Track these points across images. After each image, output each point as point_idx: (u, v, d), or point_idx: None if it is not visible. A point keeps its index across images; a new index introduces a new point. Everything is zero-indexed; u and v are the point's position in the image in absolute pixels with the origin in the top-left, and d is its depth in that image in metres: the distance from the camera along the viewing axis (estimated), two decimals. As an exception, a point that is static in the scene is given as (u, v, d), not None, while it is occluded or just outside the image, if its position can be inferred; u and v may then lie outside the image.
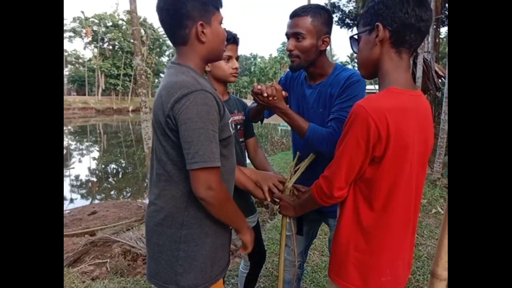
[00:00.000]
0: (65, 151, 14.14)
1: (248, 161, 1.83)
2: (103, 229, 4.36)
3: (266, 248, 2.05)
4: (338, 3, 15.75)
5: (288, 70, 1.57)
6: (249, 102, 1.77)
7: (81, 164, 12.33)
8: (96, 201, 7.27)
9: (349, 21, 15.41)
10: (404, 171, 0.96)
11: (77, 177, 10.02)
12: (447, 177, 5.51)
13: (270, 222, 3.84)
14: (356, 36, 1.09)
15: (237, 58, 1.63)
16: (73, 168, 11.34)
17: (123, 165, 12.53)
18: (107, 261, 3.10)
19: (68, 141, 17.76)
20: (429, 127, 1.02)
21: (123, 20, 44.37)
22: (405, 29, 0.94)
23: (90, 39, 43.83)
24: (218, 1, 1.09)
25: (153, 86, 48.96)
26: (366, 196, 1.00)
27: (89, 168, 11.70)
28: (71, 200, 7.49)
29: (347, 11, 15.63)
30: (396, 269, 1.04)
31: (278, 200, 1.42)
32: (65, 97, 37.87)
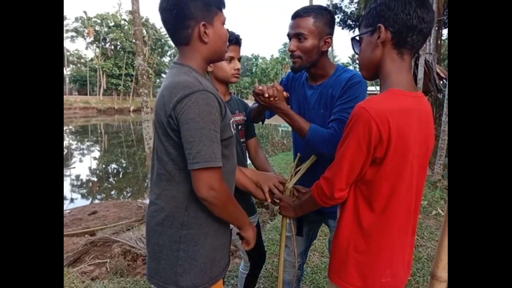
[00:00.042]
0: (66, 151, 14.16)
1: (248, 161, 1.83)
2: (103, 229, 4.36)
3: (266, 249, 2.05)
4: (340, 4, 15.78)
5: (289, 71, 1.57)
6: (251, 102, 1.77)
7: (81, 164, 12.34)
8: (97, 201, 7.28)
9: (350, 22, 15.43)
10: (405, 172, 0.96)
11: (77, 176, 10.03)
12: (447, 179, 5.50)
13: (270, 223, 3.84)
14: (357, 37, 1.09)
15: (239, 59, 1.63)
16: (74, 167, 11.35)
17: (124, 165, 12.54)
18: (107, 261, 3.11)
19: (69, 140, 17.80)
20: (430, 128, 1.02)
21: (125, 20, 44.48)
22: (407, 30, 0.94)
23: (92, 39, 43.95)
24: (221, 2, 1.09)
25: (154, 86, 48.99)
26: (366, 197, 1.00)
27: (89, 168, 11.71)
28: (72, 200, 7.50)
29: (349, 12, 15.65)
30: (396, 270, 1.04)
31: (278, 201, 1.42)
32: (67, 97, 38.02)
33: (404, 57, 0.99)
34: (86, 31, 43.23)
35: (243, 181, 1.44)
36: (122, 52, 44.76)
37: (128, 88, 45.32)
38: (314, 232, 1.76)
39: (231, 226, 1.67)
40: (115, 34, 43.34)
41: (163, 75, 49.32)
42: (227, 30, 1.15)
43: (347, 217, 1.04)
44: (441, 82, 8.21)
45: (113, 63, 44.07)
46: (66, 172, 10.20)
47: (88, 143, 17.73)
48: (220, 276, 1.17)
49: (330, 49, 1.50)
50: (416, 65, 6.70)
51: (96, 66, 44.31)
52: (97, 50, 44.75)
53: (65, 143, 16.21)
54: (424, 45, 5.56)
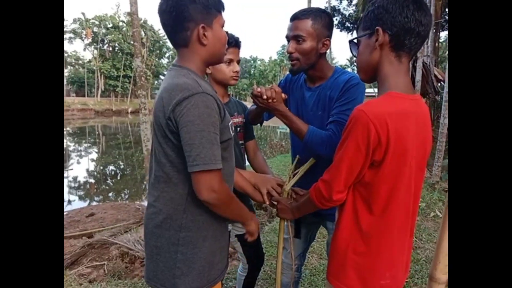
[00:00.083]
0: (63, 153, 14.11)
1: (247, 163, 1.83)
2: (101, 231, 4.35)
3: (264, 251, 2.05)
4: (338, 6, 15.83)
5: (288, 73, 1.57)
6: (249, 104, 1.77)
7: (79, 166, 12.31)
8: (94, 203, 7.25)
9: (349, 25, 15.48)
10: (403, 175, 0.96)
11: (75, 178, 10.00)
12: (446, 181, 5.51)
13: (268, 225, 3.84)
14: (355, 40, 1.09)
15: (238, 61, 1.64)
16: (71, 169, 11.32)
17: (122, 166, 12.51)
18: (104, 264, 3.09)
19: (66, 142, 17.74)
20: (427, 131, 1.03)
21: (123, 21, 44.52)
22: (404, 33, 0.94)
23: (90, 40, 43.95)
24: (220, 4, 1.09)
25: (152, 88, 49.00)
26: (365, 199, 1.00)
27: (87, 170, 11.67)
28: (69, 202, 7.47)
29: (347, 15, 15.70)
30: (395, 272, 1.04)
31: (276, 203, 1.42)
32: (65, 98, 37.85)
33: (402, 59, 0.99)
34: (84, 32, 43.24)
35: (241, 183, 1.44)
36: (120, 54, 44.74)
37: (126, 90, 45.28)
38: (312, 234, 1.76)
39: (229, 228, 1.67)
40: (113, 35, 43.34)
41: (161, 77, 49.38)
42: (226, 32, 1.15)
43: (346, 219, 1.04)
44: (439, 84, 8.25)
45: (111, 64, 44.04)
46: (64, 174, 10.16)
47: (85, 145, 17.68)
48: (219, 279, 1.16)
49: (328, 51, 1.50)
50: (414, 67, 6.73)
51: (94, 68, 44.28)
52: (95, 51, 44.73)
53: (63, 144, 16.15)
54: (422, 48, 5.60)
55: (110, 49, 45.56)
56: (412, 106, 0.97)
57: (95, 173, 11.37)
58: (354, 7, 15.23)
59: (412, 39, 0.95)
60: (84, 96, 45.59)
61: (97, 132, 24.02)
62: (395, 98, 0.95)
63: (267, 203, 1.45)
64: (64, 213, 5.44)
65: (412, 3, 0.93)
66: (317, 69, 1.45)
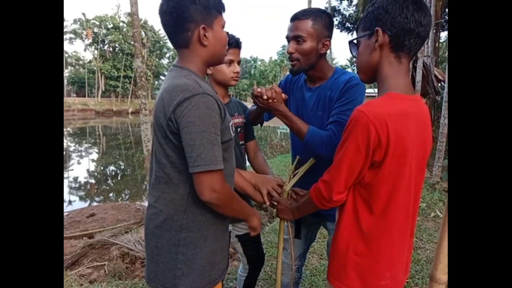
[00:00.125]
0: (64, 153, 14.11)
1: (247, 163, 1.83)
2: (102, 232, 4.35)
3: (265, 251, 2.05)
4: (339, 6, 15.84)
5: (288, 73, 1.58)
6: (249, 104, 1.77)
7: (80, 166, 12.32)
8: (95, 203, 7.26)
9: (349, 25, 15.48)
10: (403, 175, 0.96)
11: (75, 179, 10.00)
12: (446, 181, 5.51)
13: (269, 225, 3.84)
14: (355, 41, 1.09)
15: (239, 62, 1.64)
16: (72, 170, 11.33)
17: (122, 167, 12.52)
18: (105, 264, 3.09)
19: (67, 142, 17.75)
20: (427, 131, 1.03)
21: (124, 22, 44.54)
22: (404, 34, 0.94)
23: (90, 41, 43.97)
24: (221, 5, 1.09)
25: (153, 88, 49.02)
26: (365, 200, 1.00)
27: (87, 170, 11.68)
28: (70, 202, 7.48)
29: (347, 15, 15.71)
30: (395, 273, 1.04)
31: (276, 204, 1.42)
32: (65, 99, 37.94)
33: (401, 60, 0.99)
34: (85, 33, 43.27)
35: (241, 184, 1.44)
36: (120, 54, 44.77)
37: (127, 90, 45.31)
38: (313, 235, 1.76)
39: (230, 228, 1.67)
40: (113, 36, 43.37)
41: (162, 77, 49.41)
42: (227, 33, 1.15)
43: (346, 220, 1.04)
44: (439, 84, 8.26)
45: (112, 65, 44.07)
46: (64, 174, 10.17)
47: (86, 145, 17.70)
48: (219, 279, 1.17)
49: (328, 51, 1.50)
50: (414, 67, 6.73)
51: (95, 68, 44.32)
52: (96, 52, 44.77)
53: (63, 145, 16.16)
54: (422, 48, 5.59)
55: (111, 49, 45.60)
56: (412, 106, 0.97)
57: (96, 173, 11.37)
58: (354, 8, 15.24)
59: (411, 39, 0.95)
60: (84, 96, 45.64)
61: (97, 133, 24.03)
62: (395, 98, 0.95)
63: (267, 203, 1.45)
64: (65, 214, 5.45)
65: (412, 4, 0.93)
66: (317, 69, 1.45)
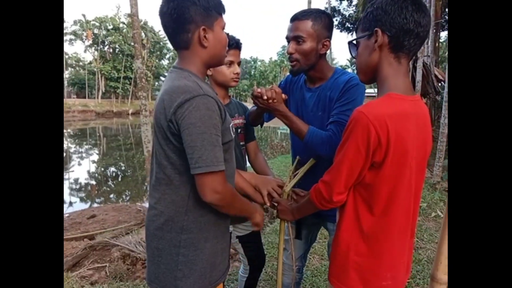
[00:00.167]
0: (64, 154, 14.12)
1: (248, 164, 1.83)
2: (102, 233, 4.35)
3: (265, 252, 2.05)
4: (339, 7, 15.84)
5: (288, 73, 1.58)
6: (249, 105, 1.77)
7: (80, 167, 12.32)
8: (95, 205, 7.26)
9: (349, 25, 15.48)
10: (403, 176, 0.96)
11: (76, 180, 10.01)
12: (447, 181, 5.50)
13: (269, 226, 3.84)
14: (355, 41, 1.09)
15: (239, 63, 1.64)
16: (73, 171, 11.33)
17: (123, 168, 12.52)
18: (106, 265, 3.09)
19: (67, 144, 17.76)
20: (427, 131, 1.03)
21: (124, 23, 44.60)
22: (404, 34, 0.95)
23: (90, 42, 44.03)
24: (221, 7, 1.10)
25: (153, 89, 49.06)
26: (366, 200, 1.00)
27: (88, 171, 11.68)
28: (70, 204, 7.48)
29: (347, 15, 15.71)
30: (396, 273, 1.04)
31: (276, 204, 1.42)
32: (65, 100, 38.02)
33: (401, 61, 0.99)
34: (85, 34, 43.33)
35: (241, 185, 1.44)
36: (120, 55, 44.81)
37: (127, 91, 45.34)
38: (313, 235, 1.76)
39: (231, 229, 1.67)
40: (113, 37, 43.42)
41: (162, 78, 49.43)
42: (227, 34, 1.16)
43: (347, 221, 1.04)
44: (439, 84, 8.25)
45: (112, 66, 44.11)
46: (65, 175, 10.18)
47: (86, 146, 17.70)
48: (220, 280, 1.17)
49: (328, 51, 1.51)
50: (415, 67, 6.73)
51: (95, 69, 44.38)
52: (96, 53, 44.82)
53: (64, 146, 16.17)
54: (422, 48, 5.59)
55: (111, 50, 45.64)
56: (412, 107, 0.97)
57: (96, 174, 11.38)
58: (354, 8, 15.24)
59: (411, 40, 0.95)
60: (85, 97, 45.68)
61: (98, 134, 24.05)
62: (395, 99, 0.95)
63: (268, 204, 1.45)
64: (66, 215, 5.45)
65: (411, 4, 0.93)
66: (317, 69, 1.45)
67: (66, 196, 7.89)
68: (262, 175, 1.65)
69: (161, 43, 48.74)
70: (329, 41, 1.42)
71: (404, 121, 0.93)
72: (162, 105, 1.01)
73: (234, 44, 1.58)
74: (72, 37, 43.64)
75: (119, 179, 10.90)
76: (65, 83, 45.89)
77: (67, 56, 45.94)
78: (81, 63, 48.39)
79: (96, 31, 44.17)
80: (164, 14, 1.04)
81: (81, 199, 8.13)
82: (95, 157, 15.15)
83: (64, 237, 4.21)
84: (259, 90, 1.38)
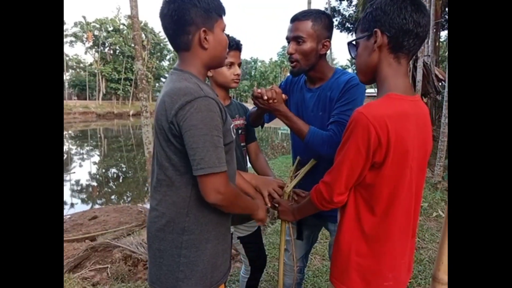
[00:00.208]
0: (65, 156, 14.14)
1: (249, 165, 1.83)
2: (104, 234, 4.35)
3: (267, 253, 2.05)
4: (338, 7, 15.84)
5: (288, 74, 1.58)
6: (250, 106, 1.77)
7: (81, 169, 12.32)
8: (97, 206, 7.26)
9: (349, 25, 15.48)
10: (404, 176, 0.96)
11: (77, 181, 10.01)
12: (447, 181, 5.49)
13: (271, 227, 3.83)
14: (354, 42, 1.09)
15: (239, 64, 1.64)
16: (74, 172, 11.33)
17: (124, 169, 12.53)
18: (107, 267, 3.09)
19: (68, 145, 17.78)
20: (428, 131, 1.03)
21: (124, 24, 44.65)
22: (403, 34, 0.95)
23: (91, 43, 44.09)
24: (221, 9, 1.10)
25: (154, 91, 49.10)
26: (367, 201, 1.00)
27: (89, 173, 11.69)
28: (72, 205, 7.48)
29: (347, 15, 15.71)
30: (398, 273, 1.04)
31: (277, 205, 1.42)
32: (66, 102, 38.11)
33: (400, 61, 0.99)
34: (85, 36, 43.39)
35: (242, 186, 1.44)
36: (121, 57, 44.88)
37: (128, 93, 45.39)
38: (314, 236, 1.76)
39: (232, 230, 1.67)
40: (114, 38, 43.48)
41: (163, 79, 49.48)
42: (228, 36, 1.16)
43: (348, 221, 1.04)
44: (440, 84, 8.25)
45: (112, 67, 44.17)
46: (66, 177, 10.19)
47: (87, 148, 17.71)
48: (221, 281, 1.17)
49: (328, 51, 1.51)
50: (415, 67, 6.73)
51: (95, 71, 44.43)
52: (96, 54, 44.88)
53: (65, 148, 16.20)
54: (422, 47, 5.59)
55: (111, 52, 45.70)
56: (412, 107, 0.97)
57: (98, 176, 11.38)
58: (354, 8, 15.24)
59: (410, 40, 0.96)
60: (85, 99, 45.75)
61: (99, 135, 24.07)
62: (395, 99, 0.95)
63: (269, 205, 1.45)
64: (67, 216, 5.46)
65: (410, 5, 0.93)
66: (317, 70, 1.45)
67: (68, 198, 7.90)
68: (263, 176, 1.65)
69: (162, 44, 48.80)
70: (329, 42, 1.43)
71: (404, 121, 0.93)
72: (163, 107, 1.01)
73: (235, 46, 1.58)
74: (73, 39, 43.70)
75: (120, 180, 10.91)
76: (66, 84, 45.99)
77: (67, 58, 46.04)
78: (81, 65, 48.50)
79: (96, 32, 44.23)
80: (165, 16, 1.05)
81: (83, 201, 8.13)
82: (96, 158, 15.16)
83: (66, 239, 4.21)
84: (259, 90, 1.38)
